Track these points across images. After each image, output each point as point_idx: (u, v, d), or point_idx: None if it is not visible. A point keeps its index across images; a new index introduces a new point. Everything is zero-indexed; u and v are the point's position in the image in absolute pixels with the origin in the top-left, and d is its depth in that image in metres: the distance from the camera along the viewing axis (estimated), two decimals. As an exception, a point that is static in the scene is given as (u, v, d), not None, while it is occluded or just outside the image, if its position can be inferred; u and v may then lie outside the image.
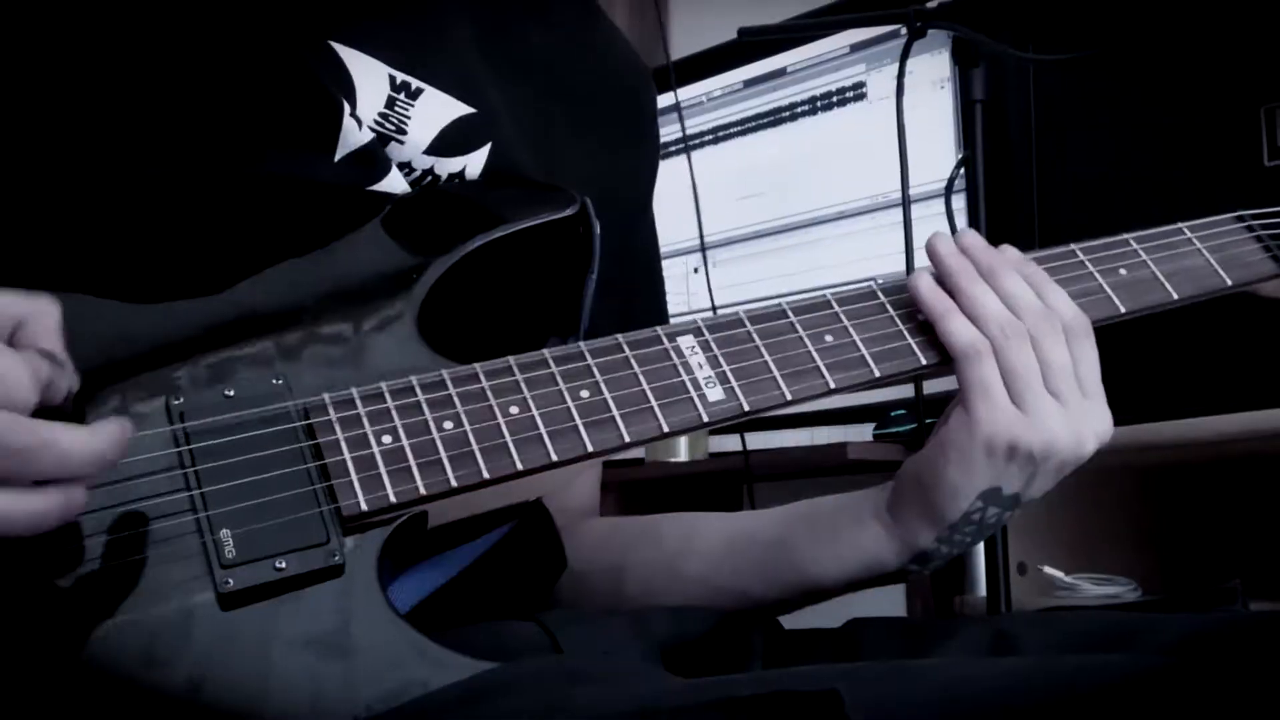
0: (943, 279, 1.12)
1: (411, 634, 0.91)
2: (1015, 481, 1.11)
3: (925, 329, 1.12)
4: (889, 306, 1.13)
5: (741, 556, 1.25)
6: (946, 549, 1.16)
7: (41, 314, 0.84)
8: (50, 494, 0.80)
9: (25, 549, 0.84)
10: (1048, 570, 1.92)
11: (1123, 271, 1.19)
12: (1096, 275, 1.18)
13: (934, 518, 1.13)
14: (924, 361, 1.11)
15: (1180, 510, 2.19)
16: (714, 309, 2.16)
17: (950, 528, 1.13)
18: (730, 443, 2.69)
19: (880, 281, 1.15)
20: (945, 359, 1.11)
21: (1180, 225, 1.24)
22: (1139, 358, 1.80)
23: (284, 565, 0.90)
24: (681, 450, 2.76)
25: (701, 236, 1.92)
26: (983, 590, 1.77)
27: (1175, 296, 1.19)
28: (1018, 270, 1.13)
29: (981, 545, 1.76)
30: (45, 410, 0.82)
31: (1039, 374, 1.09)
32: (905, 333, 1.12)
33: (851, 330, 1.11)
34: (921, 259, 1.84)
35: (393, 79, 1.13)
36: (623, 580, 1.28)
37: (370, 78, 1.12)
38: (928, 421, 2.26)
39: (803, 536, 1.21)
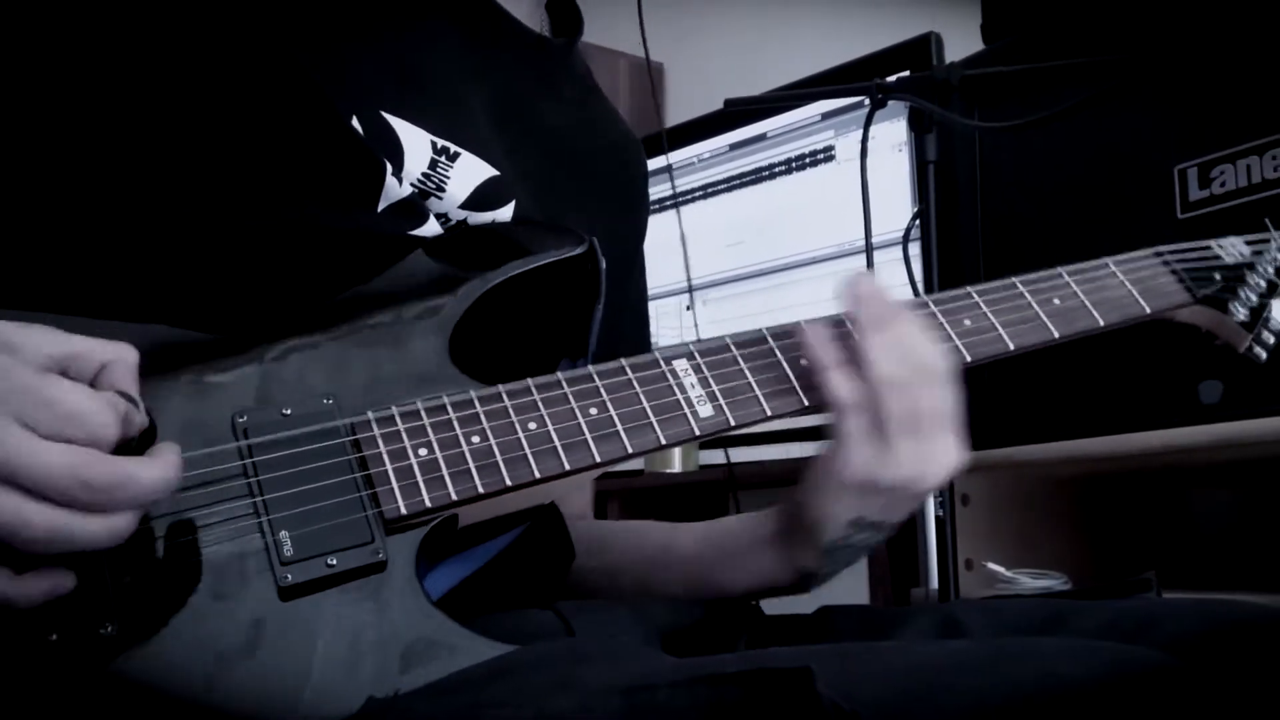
0: (845, 323, 1.09)
1: (445, 620, 0.91)
2: (876, 510, 1.09)
3: None
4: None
5: (668, 570, 1.26)
6: (828, 569, 1.16)
7: (122, 359, 0.85)
8: (120, 518, 0.81)
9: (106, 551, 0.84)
10: (991, 566, 1.91)
11: (1056, 301, 1.18)
12: (1034, 305, 1.17)
13: (811, 544, 1.13)
14: None
15: (1105, 514, 2.19)
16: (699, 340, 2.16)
17: (826, 552, 1.13)
18: (719, 456, 2.69)
19: (847, 314, 1.14)
20: None
21: (1106, 260, 1.23)
22: (1072, 384, 1.80)
23: (335, 562, 0.90)
24: (676, 462, 2.76)
25: (689, 279, 1.92)
26: (935, 583, 1.77)
27: (1102, 323, 1.19)
28: (908, 320, 1.10)
29: (934, 545, 1.76)
30: (121, 445, 0.82)
31: (905, 420, 1.06)
32: None
33: None
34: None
35: (434, 144, 1.13)
36: (575, 582, 1.30)
37: (415, 143, 1.12)
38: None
39: (714, 556, 1.23)
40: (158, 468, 0.82)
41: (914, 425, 1.06)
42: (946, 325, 1.14)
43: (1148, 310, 1.21)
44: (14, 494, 0.76)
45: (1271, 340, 1.26)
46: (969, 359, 1.13)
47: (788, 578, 1.18)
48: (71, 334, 0.84)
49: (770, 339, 1.11)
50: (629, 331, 1.42)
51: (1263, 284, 1.27)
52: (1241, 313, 1.25)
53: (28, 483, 0.76)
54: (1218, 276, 1.26)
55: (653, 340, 1.54)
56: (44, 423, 0.77)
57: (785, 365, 1.09)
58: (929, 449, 1.07)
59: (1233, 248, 1.30)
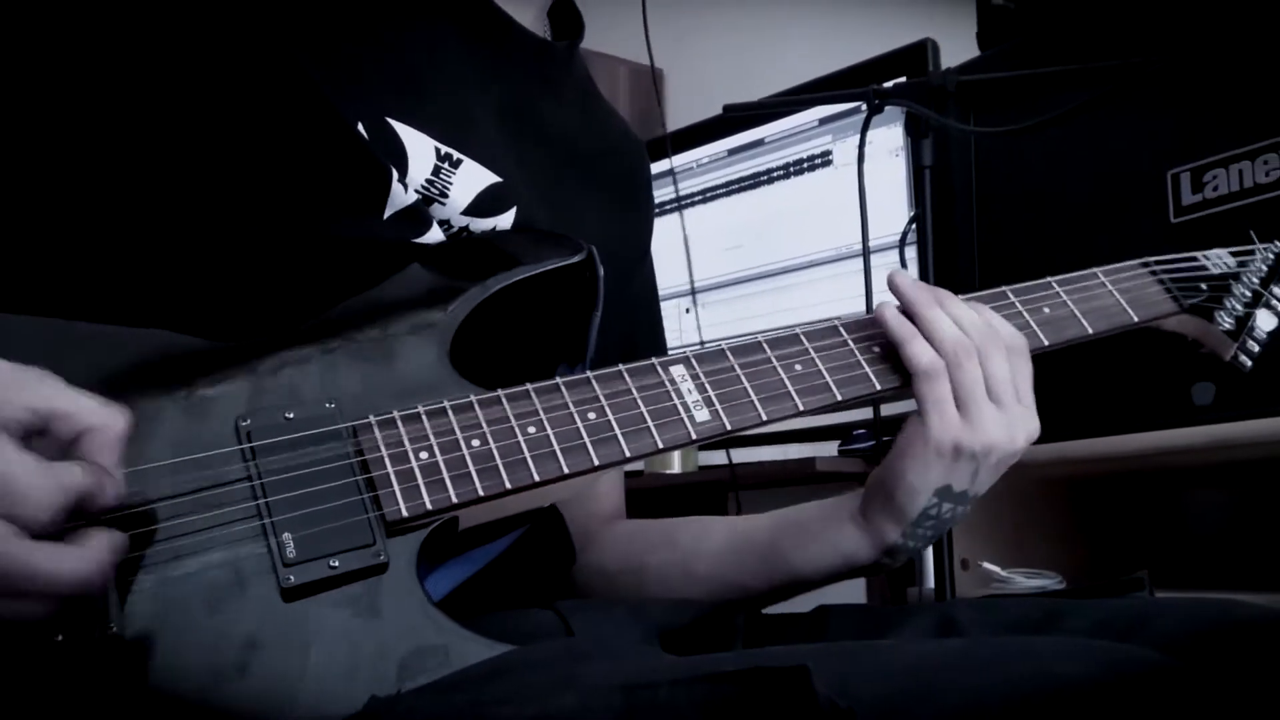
0: (905, 308, 1.14)
1: (446, 620, 0.91)
2: (963, 478, 1.12)
3: (879, 359, 1.13)
4: (849, 341, 1.13)
5: (743, 557, 1.26)
6: (912, 543, 1.17)
7: (107, 426, 0.81)
8: (27, 605, 0.76)
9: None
10: (986, 565, 1.92)
11: (1046, 310, 1.19)
12: (1025, 313, 1.18)
13: (898, 516, 1.15)
14: (878, 386, 1.12)
15: (1098, 514, 2.19)
16: (701, 343, 2.16)
17: (912, 524, 1.15)
18: (717, 457, 2.70)
19: (842, 320, 1.15)
20: (898, 383, 1.12)
21: (1095, 270, 1.24)
22: (1066, 386, 1.80)
23: (337, 564, 0.90)
24: (675, 464, 2.76)
25: (692, 281, 1.92)
26: (932, 583, 1.77)
27: (1090, 331, 1.20)
28: (954, 298, 1.15)
29: (930, 545, 1.76)
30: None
31: (983, 385, 1.10)
32: (863, 362, 1.12)
33: (818, 360, 1.11)
34: (878, 300, 1.85)
35: (438, 150, 1.13)
36: (645, 578, 1.29)
37: (419, 149, 1.12)
38: (884, 439, 2.27)
39: (791, 539, 1.23)
40: (74, 561, 0.77)
41: (993, 391, 1.11)
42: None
43: (1135, 319, 1.23)
44: None
45: (1256, 349, 1.27)
46: None
47: (870, 554, 1.19)
48: (67, 390, 0.81)
49: (766, 347, 1.11)
50: (642, 330, 1.43)
51: (1248, 294, 1.28)
52: (1227, 322, 1.26)
53: None
54: (1204, 286, 1.27)
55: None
56: None
57: (780, 372, 1.09)
58: (1010, 414, 1.12)
59: (1218, 259, 1.31)
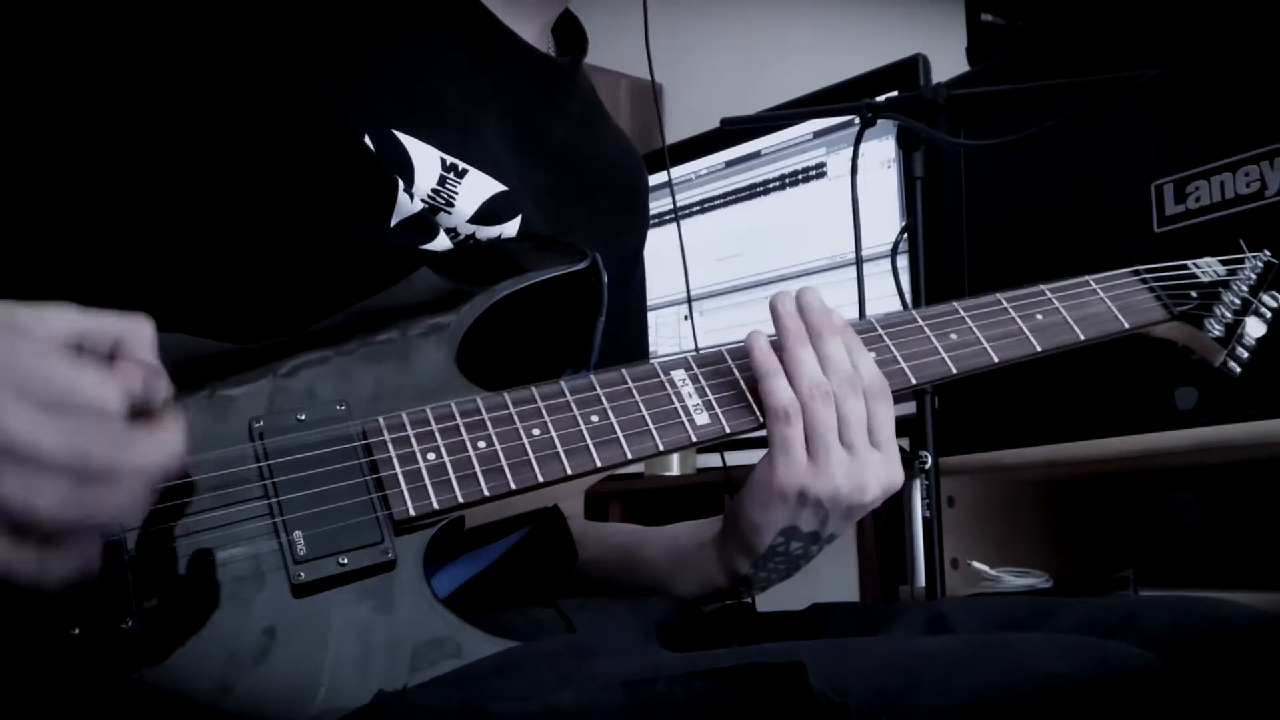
0: (777, 337, 1.10)
1: (450, 617, 0.91)
2: (810, 522, 1.10)
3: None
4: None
5: (631, 571, 1.27)
6: (764, 574, 1.16)
7: (138, 330, 0.83)
8: (132, 490, 0.77)
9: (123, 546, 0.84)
10: (976, 564, 1.91)
11: (1039, 316, 1.19)
12: (1017, 320, 1.18)
13: (746, 549, 1.14)
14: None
15: (1085, 515, 2.19)
16: (697, 348, 2.16)
17: (761, 558, 1.14)
18: (715, 459, 2.70)
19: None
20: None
21: (1087, 278, 1.24)
22: (1054, 390, 1.80)
23: (346, 561, 0.90)
24: (674, 466, 2.76)
25: (689, 290, 1.92)
26: (922, 581, 1.76)
27: (1082, 338, 1.19)
28: (839, 334, 1.10)
29: (921, 545, 1.76)
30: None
31: (835, 431, 1.06)
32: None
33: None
34: (871, 308, 1.85)
35: (443, 161, 1.13)
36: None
37: (425, 160, 1.12)
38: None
39: (663, 560, 1.24)
40: (158, 436, 0.79)
41: (845, 437, 1.07)
42: (934, 338, 1.15)
43: (1126, 326, 1.22)
44: (24, 471, 0.73)
45: (1245, 355, 1.27)
46: (954, 371, 1.14)
47: (724, 581, 1.19)
48: (85, 311, 0.82)
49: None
50: (630, 335, 1.43)
51: (1237, 302, 1.27)
52: (1216, 329, 1.26)
53: (33, 459, 0.74)
54: (1194, 294, 1.26)
55: (651, 348, 1.54)
56: (46, 399, 0.75)
57: None
58: (863, 463, 1.08)
59: (1209, 267, 1.30)
